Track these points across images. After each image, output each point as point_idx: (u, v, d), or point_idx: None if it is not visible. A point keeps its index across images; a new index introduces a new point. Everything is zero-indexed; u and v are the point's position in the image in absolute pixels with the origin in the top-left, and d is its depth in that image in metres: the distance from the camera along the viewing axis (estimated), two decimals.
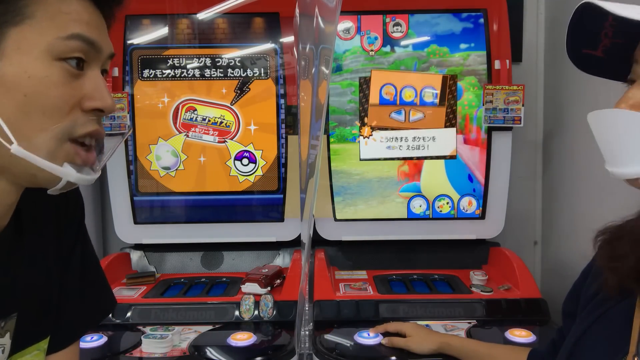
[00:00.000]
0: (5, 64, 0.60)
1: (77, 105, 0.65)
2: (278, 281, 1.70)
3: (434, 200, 1.86)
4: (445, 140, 1.83)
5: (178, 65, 1.84)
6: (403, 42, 1.83)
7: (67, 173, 0.65)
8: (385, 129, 1.83)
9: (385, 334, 1.39)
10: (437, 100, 1.82)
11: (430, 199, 1.86)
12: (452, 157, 1.84)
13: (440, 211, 1.86)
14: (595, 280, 0.87)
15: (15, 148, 0.61)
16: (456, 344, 1.27)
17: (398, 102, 1.83)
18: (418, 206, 1.86)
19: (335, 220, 1.88)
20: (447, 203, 1.86)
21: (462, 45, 1.83)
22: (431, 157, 1.84)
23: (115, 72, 1.82)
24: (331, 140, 1.85)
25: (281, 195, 1.88)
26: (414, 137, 1.83)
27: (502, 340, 1.39)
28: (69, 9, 0.63)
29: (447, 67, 1.82)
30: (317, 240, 1.88)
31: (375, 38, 1.83)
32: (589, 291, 0.88)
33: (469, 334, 1.44)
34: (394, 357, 1.32)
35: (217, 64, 1.85)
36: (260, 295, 1.59)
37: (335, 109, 1.84)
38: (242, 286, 1.65)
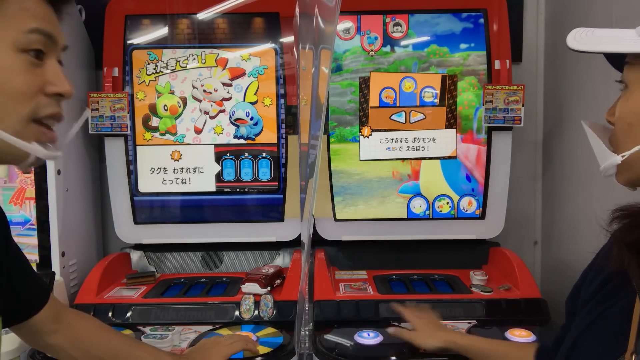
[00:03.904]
0: None
1: (40, 91, 0.74)
2: (278, 281, 1.70)
3: (433, 200, 1.86)
4: (445, 140, 1.83)
5: (178, 65, 1.84)
6: (403, 42, 1.83)
7: (37, 150, 0.74)
8: (386, 130, 1.83)
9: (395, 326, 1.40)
10: (437, 101, 1.83)
11: (430, 199, 1.86)
12: (452, 157, 1.84)
13: (440, 211, 1.86)
14: (596, 279, 0.87)
15: None
16: (463, 342, 1.26)
17: (398, 104, 1.83)
18: (418, 206, 1.86)
19: (335, 220, 1.88)
20: (447, 203, 1.86)
21: (462, 45, 1.83)
22: (431, 158, 1.84)
23: (115, 72, 1.82)
24: (331, 140, 1.84)
25: (281, 195, 1.88)
26: (414, 138, 1.83)
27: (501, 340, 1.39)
28: (27, 6, 0.73)
29: (447, 67, 1.82)
30: (317, 240, 1.88)
31: (375, 38, 1.83)
32: (589, 290, 0.88)
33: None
34: (394, 357, 1.32)
35: (217, 64, 1.85)
36: (260, 295, 1.59)
37: (335, 109, 1.84)
38: (242, 286, 1.65)
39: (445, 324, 1.46)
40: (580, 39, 0.80)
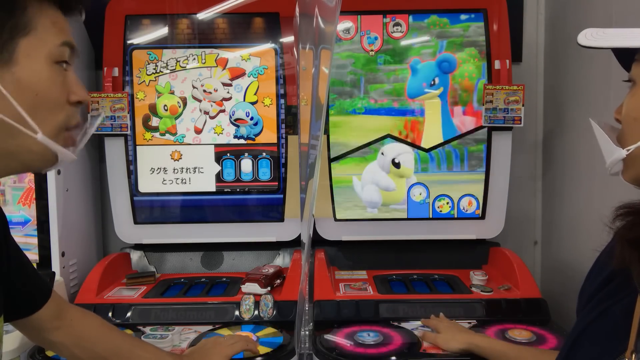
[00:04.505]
0: (18, 69, 0.73)
1: (67, 100, 0.79)
2: (278, 281, 1.70)
3: (434, 200, 1.86)
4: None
5: (178, 65, 1.84)
6: (403, 42, 1.83)
7: (67, 154, 0.80)
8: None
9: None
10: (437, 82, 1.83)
11: (430, 190, 1.86)
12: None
13: (440, 211, 1.86)
14: (598, 277, 0.88)
15: (40, 136, 0.75)
16: (484, 345, 1.27)
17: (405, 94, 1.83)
18: (418, 194, 1.86)
19: (335, 220, 1.88)
20: (447, 203, 1.86)
21: (463, 17, 1.82)
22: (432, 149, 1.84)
23: (115, 72, 1.82)
24: (331, 112, 1.83)
25: (281, 195, 1.87)
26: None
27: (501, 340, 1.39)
28: (56, 20, 0.78)
29: (448, 38, 1.82)
30: (317, 240, 1.88)
31: (375, 38, 1.83)
32: (592, 287, 0.88)
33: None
34: (394, 357, 1.32)
35: (217, 64, 1.85)
36: (260, 295, 1.59)
37: (335, 80, 1.83)
38: (242, 286, 1.65)
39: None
40: (592, 37, 0.81)
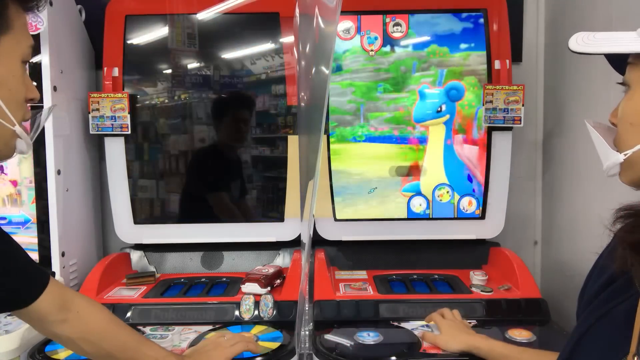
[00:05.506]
0: None
1: (25, 97, 0.88)
2: (278, 281, 1.70)
3: (433, 189, 1.85)
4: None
5: (178, 65, 1.84)
6: (403, 42, 1.83)
7: (30, 147, 0.90)
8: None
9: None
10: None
11: (429, 197, 1.85)
12: (454, 156, 1.84)
13: (441, 200, 1.85)
14: (599, 279, 0.87)
15: (17, 128, 0.85)
16: (484, 347, 1.27)
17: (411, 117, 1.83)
18: (418, 205, 1.86)
19: (335, 220, 1.88)
20: (447, 192, 1.85)
21: (462, 45, 1.82)
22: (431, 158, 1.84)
23: (115, 72, 1.82)
24: (331, 140, 1.84)
25: (281, 196, 1.87)
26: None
27: (501, 340, 1.39)
28: (25, 22, 0.84)
29: (447, 67, 1.82)
30: (317, 240, 1.88)
31: (375, 38, 1.83)
32: (592, 290, 0.88)
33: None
34: (393, 357, 1.32)
35: (217, 64, 1.85)
36: (260, 295, 1.59)
37: (335, 108, 1.83)
38: (242, 286, 1.65)
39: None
40: (582, 42, 0.81)
